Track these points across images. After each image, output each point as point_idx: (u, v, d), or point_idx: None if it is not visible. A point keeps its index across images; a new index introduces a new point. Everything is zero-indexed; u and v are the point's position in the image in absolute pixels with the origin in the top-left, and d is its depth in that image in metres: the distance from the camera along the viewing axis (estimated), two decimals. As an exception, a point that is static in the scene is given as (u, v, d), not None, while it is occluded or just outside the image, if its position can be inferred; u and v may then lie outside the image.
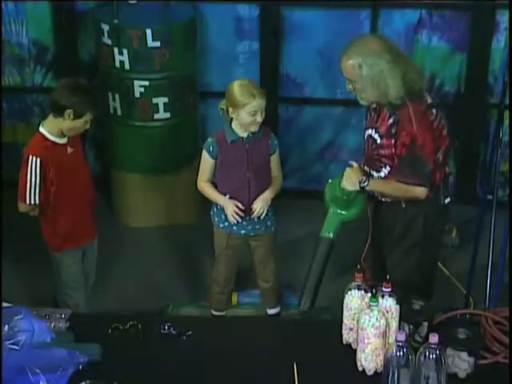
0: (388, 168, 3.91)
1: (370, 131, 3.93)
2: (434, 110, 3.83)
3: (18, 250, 5.39)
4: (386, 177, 3.94)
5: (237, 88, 4.26)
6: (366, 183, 3.90)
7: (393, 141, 3.80)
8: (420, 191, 3.83)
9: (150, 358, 3.41)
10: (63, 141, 4.24)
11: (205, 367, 3.38)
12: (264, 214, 4.49)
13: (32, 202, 4.21)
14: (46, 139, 4.20)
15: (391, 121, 3.80)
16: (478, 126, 5.92)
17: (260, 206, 4.45)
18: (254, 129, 4.31)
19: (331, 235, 4.05)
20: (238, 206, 4.42)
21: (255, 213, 4.45)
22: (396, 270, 3.96)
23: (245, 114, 4.26)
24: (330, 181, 4.17)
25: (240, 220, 4.45)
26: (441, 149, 3.84)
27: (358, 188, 3.91)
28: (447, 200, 3.95)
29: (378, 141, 3.87)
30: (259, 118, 4.27)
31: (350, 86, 3.84)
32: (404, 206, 3.95)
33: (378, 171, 3.95)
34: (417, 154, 3.74)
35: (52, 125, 4.19)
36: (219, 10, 5.82)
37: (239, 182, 4.45)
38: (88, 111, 4.14)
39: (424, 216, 3.93)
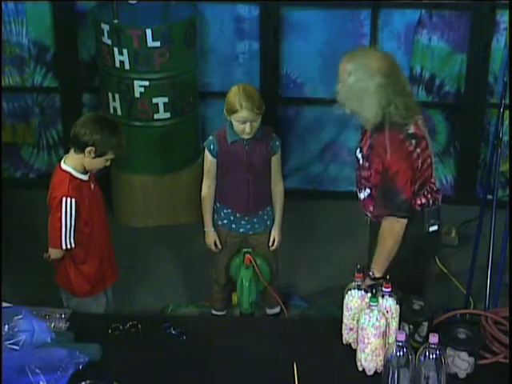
0: (368, 190, 3.82)
1: (357, 150, 3.88)
2: (414, 141, 3.63)
3: (17, 250, 5.38)
4: (365, 199, 3.84)
5: (231, 93, 4.26)
6: (374, 275, 3.74)
7: (367, 164, 3.75)
8: (399, 225, 3.68)
9: (149, 358, 3.41)
10: (87, 177, 3.95)
11: (205, 367, 3.38)
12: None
13: (68, 247, 3.90)
14: (74, 177, 3.88)
15: (368, 143, 3.74)
16: (477, 126, 5.92)
17: (278, 240, 4.59)
18: (246, 137, 4.30)
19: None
20: (215, 243, 4.57)
21: (275, 246, 4.60)
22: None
23: (234, 120, 4.26)
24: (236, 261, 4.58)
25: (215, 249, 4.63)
26: (420, 179, 3.69)
27: (372, 282, 3.69)
28: (433, 228, 3.79)
29: (360, 161, 3.82)
30: (248, 129, 4.25)
31: (338, 86, 3.72)
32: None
33: (360, 192, 3.88)
34: (389, 185, 3.63)
35: (75, 161, 3.88)
36: (219, 10, 5.81)
37: (238, 183, 4.45)
38: (110, 151, 3.87)
39: (405, 243, 3.74)
